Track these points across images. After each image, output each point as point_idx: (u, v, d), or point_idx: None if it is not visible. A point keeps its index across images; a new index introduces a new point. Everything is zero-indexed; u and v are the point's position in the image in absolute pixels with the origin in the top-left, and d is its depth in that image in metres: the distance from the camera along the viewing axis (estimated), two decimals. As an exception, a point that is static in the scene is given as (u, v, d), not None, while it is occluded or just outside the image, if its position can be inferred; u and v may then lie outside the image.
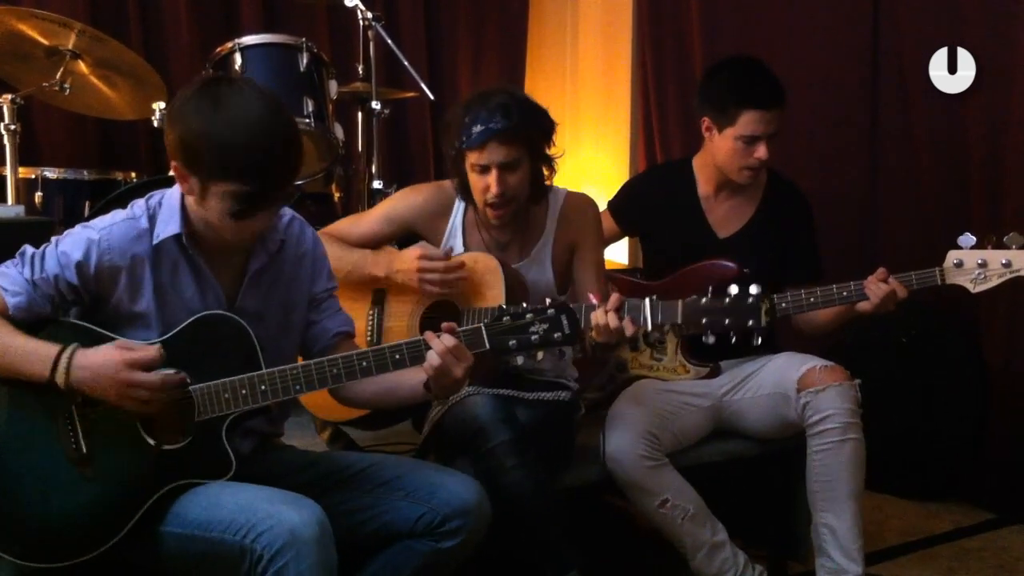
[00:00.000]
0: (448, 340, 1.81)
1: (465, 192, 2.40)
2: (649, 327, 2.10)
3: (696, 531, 2.37)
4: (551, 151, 2.37)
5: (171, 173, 1.78)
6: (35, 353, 1.73)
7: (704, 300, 2.05)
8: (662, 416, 2.42)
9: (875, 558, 2.74)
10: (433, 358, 1.81)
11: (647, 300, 2.11)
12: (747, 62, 2.61)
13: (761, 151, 2.50)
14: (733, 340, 2.07)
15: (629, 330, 2.08)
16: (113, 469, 1.76)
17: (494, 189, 2.28)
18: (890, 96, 3.47)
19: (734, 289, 2.02)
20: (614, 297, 2.10)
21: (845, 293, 2.34)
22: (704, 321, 2.05)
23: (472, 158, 2.29)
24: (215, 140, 1.70)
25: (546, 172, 2.39)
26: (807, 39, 3.69)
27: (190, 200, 1.82)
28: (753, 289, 2.01)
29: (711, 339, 2.07)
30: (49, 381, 1.72)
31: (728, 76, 2.57)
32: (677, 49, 4.22)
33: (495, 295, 2.33)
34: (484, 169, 2.28)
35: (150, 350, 1.74)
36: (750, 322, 2.01)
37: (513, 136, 2.25)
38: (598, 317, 2.09)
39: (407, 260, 2.38)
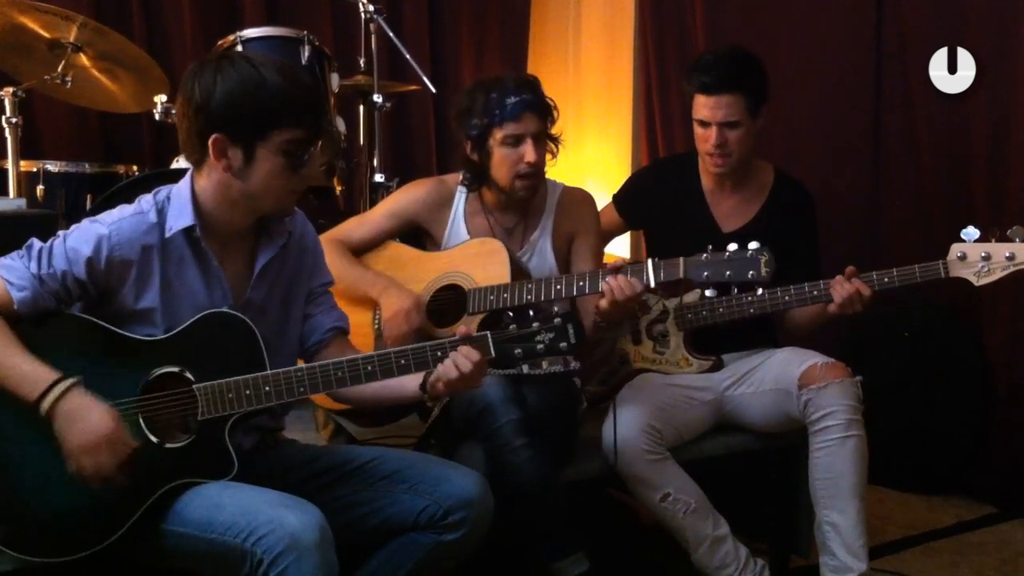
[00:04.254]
0: (473, 354, 1.82)
1: (478, 177, 2.45)
2: (652, 284, 2.15)
3: (698, 525, 2.37)
4: (553, 131, 2.46)
5: (175, 166, 1.79)
6: (31, 376, 1.69)
7: (705, 256, 2.08)
8: (664, 410, 2.43)
9: (878, 552, 2.74)
10: (451, 369, 1.81)
11: (649, 260, 2.16)
12: (713, 50, 2.64)
13: (711, 135, 2.51)
14: (735, 292, 2.12)
15: (639, 287, 2.14)
16: (116, 466, 1.75)
17: (530, 158, 2.36)
18: (892, 95, 3.47)
19: (733, 246, 2.06)
20: (615, 262, 2.20)
21: (816, 292, 2.34)
22: (706, 275, 2.08)
23: (507, 130, 2.35)
24: (266, 90, 1.75)
25: (548, 157, 2.46)
26: (810, 37, 3.68)
27: (212, 185, 1.82)
28: (752, 244, 2.03)
29: (712, 292, 2.12)
30: (33, 404, 1.69)
31: (694, 61, 2.62)
32: (680, 43, 4.22)
33: (500, 273, 2.36)
34: (518, 141, 2.36)
35: (132, 444, 1.72)
36: (750, 273, 2.04)
37: (542, 108, 2.38)
38: (608, 282, 2.15)
39: (392, 304, 2.38)
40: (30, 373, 1.70)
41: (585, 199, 2.60)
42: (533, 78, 2.43)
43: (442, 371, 1.82)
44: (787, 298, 2.38)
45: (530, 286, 2.30)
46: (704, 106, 2.51)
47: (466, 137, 2.42)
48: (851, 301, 2.30)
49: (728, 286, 2.10)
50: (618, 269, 2.17)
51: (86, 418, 1.69)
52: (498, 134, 2.36)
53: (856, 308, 2.31)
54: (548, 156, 2.46)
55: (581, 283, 2.26)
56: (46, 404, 1.69)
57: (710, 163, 2.58)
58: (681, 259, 2.11)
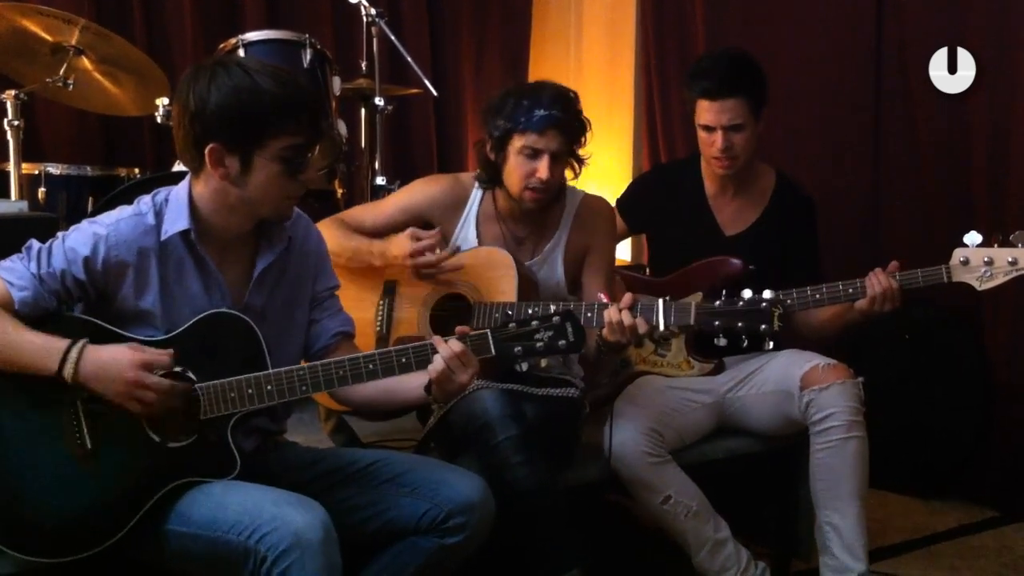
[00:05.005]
0: (456, 345, 1.82)
1: (493, 178, 2.42)
2: (661, 327, 2.11)
3: (699, 528, 2.37)
4: (581, 152, 2.41)
5: (177, 169, 1.79)
6: (44, 347, 1.72)
7: (717, 303, 2.07)
8: (665, 413, 2.43)
9: (879, 555, 2.73)
10: (439, 363, 1.81)
11: (660, 301, 2.12)
12: (710, 54, 2.64)
13: (717, 139, 2.51)
14: (745, 344, 2.08)
15: (642, 328, 2.10)
16: (117, 465, 1.76)
17: (543, 175, 2.32)
18: (892, 95, 3.47)
19: (747, 293, 2.04)
20: (627, 296, 2.13)
21: (851, 290, 2.33)
22: (717, 324, 2.06)
23: (526, 140, 2.31)
24: (261, 97, 1.74)
25: (570, 174, 2.43)
26: (811, 38, 3.69)
27: (209, 192, 1.82)
28: (767, 294, 2.03)
29: (722, 341, 2.08)
30: (56, 375, 1.71)
31: (692, 67, 2.60)
32: (681, 47, 4.22)
33: (507, 290, 2.34)
34: (535, 154, 2.32)
35: (163, 353, 1.75)
36: (763, 327, 2.02)
37: (569, 128, 2.32)
38: (611, 315, 2.11)
39: (400, 244, 2.38)
40: (43, 346, 1.71)
41: (603, 210, 2.56)
42: (572, 95, 2.37)
43: (431, 369, 1.82)
44: (789, 301, 2.38)
45: (536, 309, 2.28)
46: (708, 111, 2.51)
47: (488, 135, 2.40)
48: (884, 297, 2.29)
49: (738, 336, 2.08)
50: (630, 306, 2.11)
51: (112, 366, 1.71)
52: (518, 142, 2.32)
53: (886, 307, 2.31)
54: (569, 173, 2.43)
55: (589, 315, 2.22)
56: (68, 370, 1.70)
57: (716, 166, 2.58)
58: (693, 303, 2.10)
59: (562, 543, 2.12)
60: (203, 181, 1.83)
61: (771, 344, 2.09)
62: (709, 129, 2.52)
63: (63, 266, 1.78)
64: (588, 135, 2.40)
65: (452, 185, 2.53)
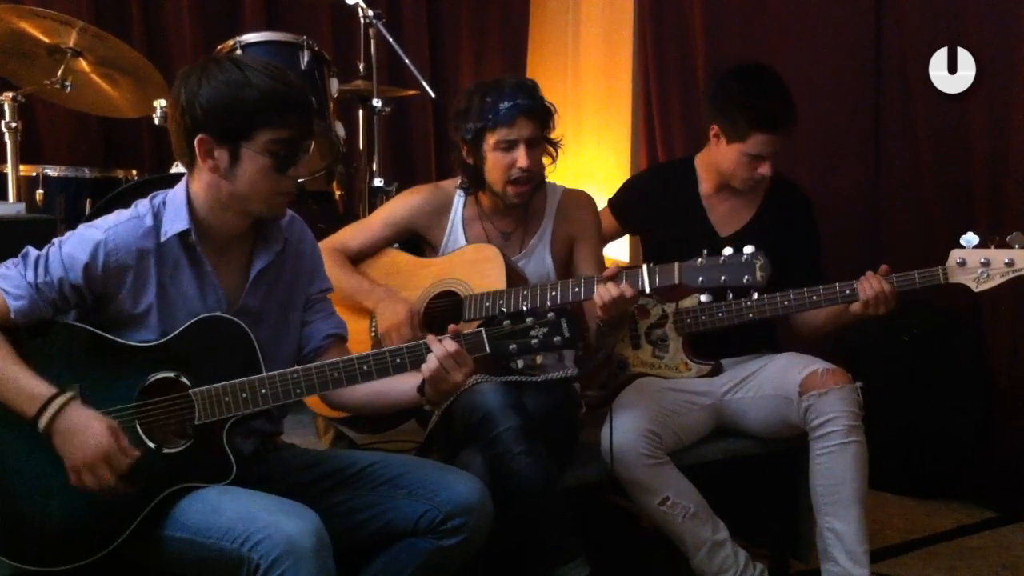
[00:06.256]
0: (450, 345, 1.81)
1: (475, 180, 2.45)
2: (647, 290, 2.14)
3: (697, 529, 2.37)
4: (552, 135, 2.44)
5: (174, 170, 1.78)
6: (27, 392, 1.70)
7: (700, 261, 2.09)
8: (664, 414, 2.42)
9: (877, 556, 2.73)
10: (432, 362, 1.81)
11: (644, 266, 2.16)
12: (762, 77, 2.56)
13: (766, 168, 2.51)
14: (730, 296, 2.11)
15: (629, 293, 2.14)
16: (114, 472, 1.75)
17: (522, 163, 2.35)
18: (892, 96, 3.47)
19: (728, 249, 2.06)
20: (611, 267, 2.18)
21: (848, 292, 2.33)
22: (701, 280, 2.08)
23: (499, 135, 2.34)
24: (250, 90, 1.75)
25: (547, 160, 2.45)
26: (810, 38, 3.69)
27: (203, 188, 1.82)
28: (748, 248, 2.04)
29: (708, 297, 2.11)
30: (31, 420, 1.69)
31: (742, 91, 2.52)
32: (679, 47, 4.22)
33: (496, 280, 2.36)
34: (511, 146, 2.35)
35: (133, 451, 1.72)
36: (746, 278, 2.04)
37: (537, 112, 2.36)
38: (601, 292, 2.15)
39: (387, 317, 2.39)
40: (26, 388, 1.70)
41: (585, 202, 2.58)
42: (531, 82, 2.42)
43: (424, 368, 1.82)
44: (786, 303, 2.38)
45: (525, 292, 2.30)
46: (767, 143, 2.48)
47: (461, 140, 2.42)
48: (878, 301, 2.29)
49: (724, 291, 2.09)
50: (614, 275, 2.16)
51: (83, 434, 1.69)
52: (491, 138, 2.35)
53: (880, 310, 2.31)
54: (547, 160, 2.46)
55: (576, 289, 2.25)
56: (43, 421, 1.69)
57: (748, 185, 2.57)
58: (676, 264, 2.12)
59: (564, 533, 2.14)
60: (197, 178, 1.84)
61: (756, 294, 2.12)
62: (759, 157, 2.50)
63: (61, 273, 1.77)
64: (555, 118, 2.43)
65: (433, 193, 2.56)
